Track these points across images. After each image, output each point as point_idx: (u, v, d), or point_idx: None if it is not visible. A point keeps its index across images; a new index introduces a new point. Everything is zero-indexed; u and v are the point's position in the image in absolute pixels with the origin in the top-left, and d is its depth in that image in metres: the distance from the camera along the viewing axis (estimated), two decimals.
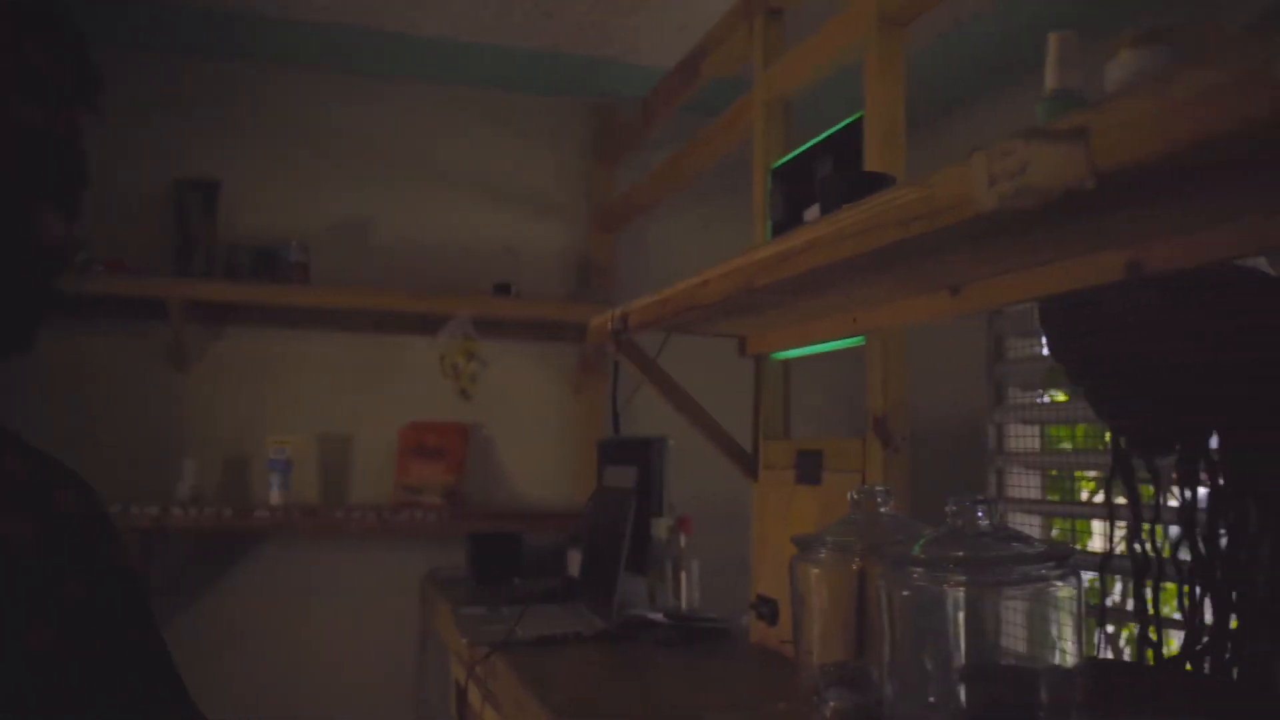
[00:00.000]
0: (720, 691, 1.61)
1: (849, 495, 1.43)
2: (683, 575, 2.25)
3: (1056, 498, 2.85)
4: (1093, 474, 2.63)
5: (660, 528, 2.29)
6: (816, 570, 1.41)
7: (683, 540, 2.27)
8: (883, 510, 1.42)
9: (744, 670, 1.76)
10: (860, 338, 1.61)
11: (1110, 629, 1.28)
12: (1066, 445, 2.82)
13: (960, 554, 1.16)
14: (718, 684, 1.66)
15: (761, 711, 1.49)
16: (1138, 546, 1.28)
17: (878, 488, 1.42)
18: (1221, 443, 1.21)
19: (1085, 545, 2.50)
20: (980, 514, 1.20)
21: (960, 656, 1.19)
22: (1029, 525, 2.84)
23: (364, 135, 3.11)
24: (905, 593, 1.19)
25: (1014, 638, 1.21)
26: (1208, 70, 0.62)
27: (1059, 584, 1.16)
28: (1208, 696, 1.16)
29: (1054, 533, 2.90)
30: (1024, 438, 2.89)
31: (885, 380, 1.54)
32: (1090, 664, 1.37)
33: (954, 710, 1.20)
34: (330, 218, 3.06)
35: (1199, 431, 1.21)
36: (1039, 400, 2.83)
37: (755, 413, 1.96)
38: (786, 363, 1.97)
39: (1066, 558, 1.17)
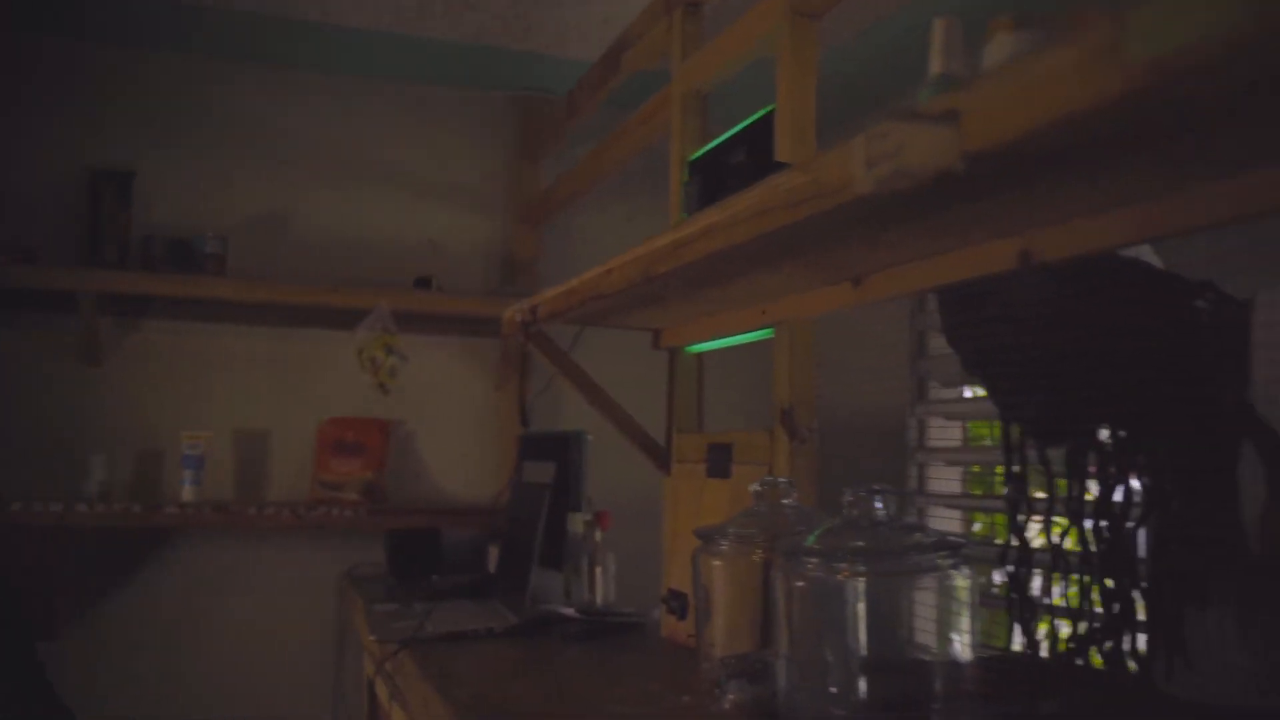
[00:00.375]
0: (627, 685, 1.60)
1: (751, 487, 1.42)
2: (598, 570, 2.24)
3: (979, 492, 2.88)
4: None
5: (577, 523, 2.27)
6: (718, 562, 1.40)
7: (598, 535, 2.25)
8: (786, 502, 1.42)
9: (652, 664, 1.75)
10: (769, 330, 1.60)
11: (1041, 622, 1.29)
12: (988, 441, 2.85)
13: (853, 544, 1.16)
14: (625, 678, 1.65)
15: (665, 705, 1.48)
16: (1019, 537, 1.29)
17: (781, 479, 1.42)
18: (1111, 434, 1.22)
19: (1005, 539, 2.53)
20: (878, 504, 1.20)
21: (858, 647, 1.19)
22: (950, 520, 2.87)
23: (284, 127, 3.05)
24: (799, 583, 1.18)
25: (910, 628, 1.21)
26: (1064, 50, 0.62)
27: (952, 573, 1.16)
28: (1093, 686, 1.17)
29: (975, 527, 2.94)
30: (946, 430, 2.92)
31: (792, 372, 1.54)
32: (986, 655, 1.37)
33: (852, 701, 1.19)
34: (248, 210, 3.00)
35: (1089, 422, 1.22)
36: (960, 395, 2.86)
37: (669, 406, 1.95)
38: (701, 356, 1.96)
39: (959, 548, 1.17)
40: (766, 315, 1.54)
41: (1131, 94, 0.58)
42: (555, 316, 1.64)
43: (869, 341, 3.08)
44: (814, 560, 1.17)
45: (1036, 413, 1.26)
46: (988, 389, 1.28)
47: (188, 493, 2.74)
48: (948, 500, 2.83)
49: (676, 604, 1.83)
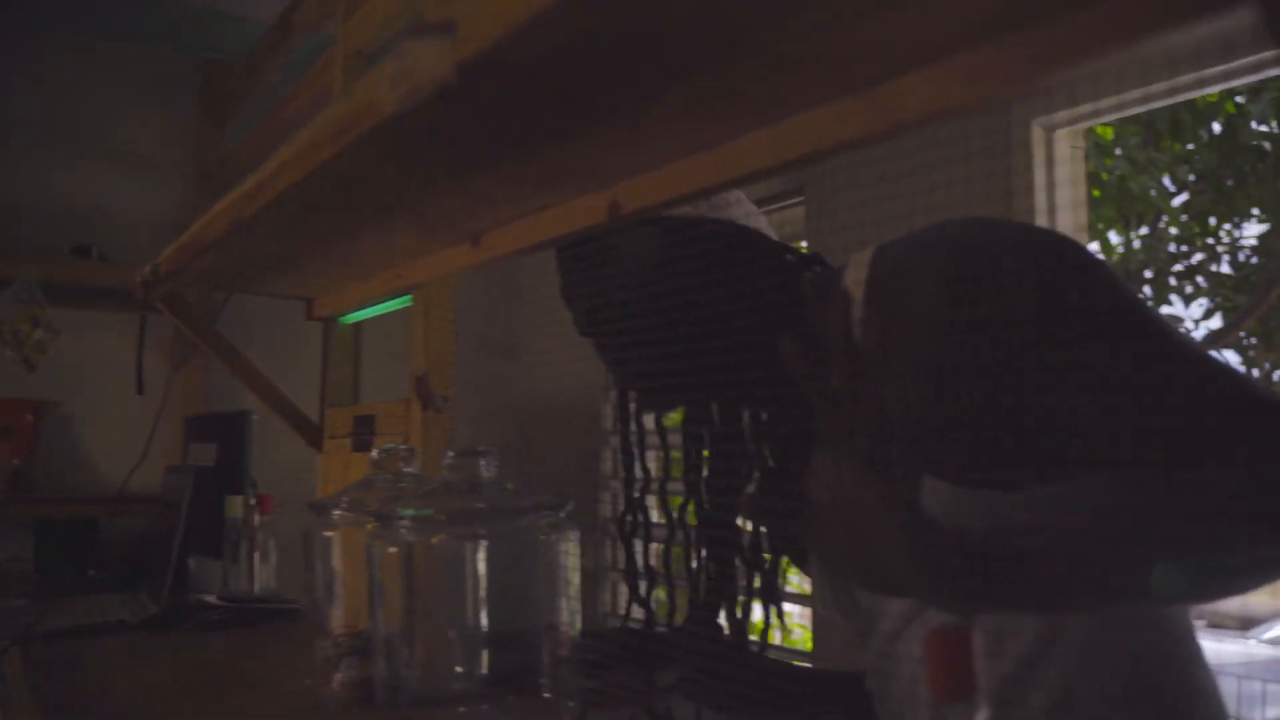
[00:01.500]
0: (251, 672, 1.50)
1: (371, 455, 1.35)
2: (256, 556, 2.11)
3: (678, 474, 2.90)
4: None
5: (236, 507, 2.13)
6: (330, 534, 1.33)
7: (257, 519, 2.12)
8: (408, 470, 1.36)
9: (291, 650, 1.65)
10: (409, 297, 1.54)
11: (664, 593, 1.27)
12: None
13: (450, 507, 1.11)
14: (254, 665, 1.54)
15: (282, 689, 1.39)
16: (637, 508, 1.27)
17: (401, 446, 1.35)
18: (720, 402, 1.22)
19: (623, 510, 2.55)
20: (482, 466, 1.16)
21: (468, 616, 1.14)
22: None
23: None
24: (392, 549, 1.12)
25: (515, 595, 1.17)
26: None
27: (553, 536, 1.13)
28: (700, 653, 1.15)
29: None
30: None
31: (427, 339, 1.48)
32: (598, 626, 1.36)
33: (459, 674, 1.15)
34: None
35: (700, 390, 1.21)
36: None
37: (322, 379, 1.85)
38: (358, 326, 1.87)
39: (560, 508, 1.14)
40: (401, 279, 1.48)
41: None
42: (176, 275, 1.52)
43: (569, 324, 3.07)
44: (407, 525, 1.11)
45: (649, 379, 1.24)
46: (599, 351, 1.26)
47: None
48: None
49: None
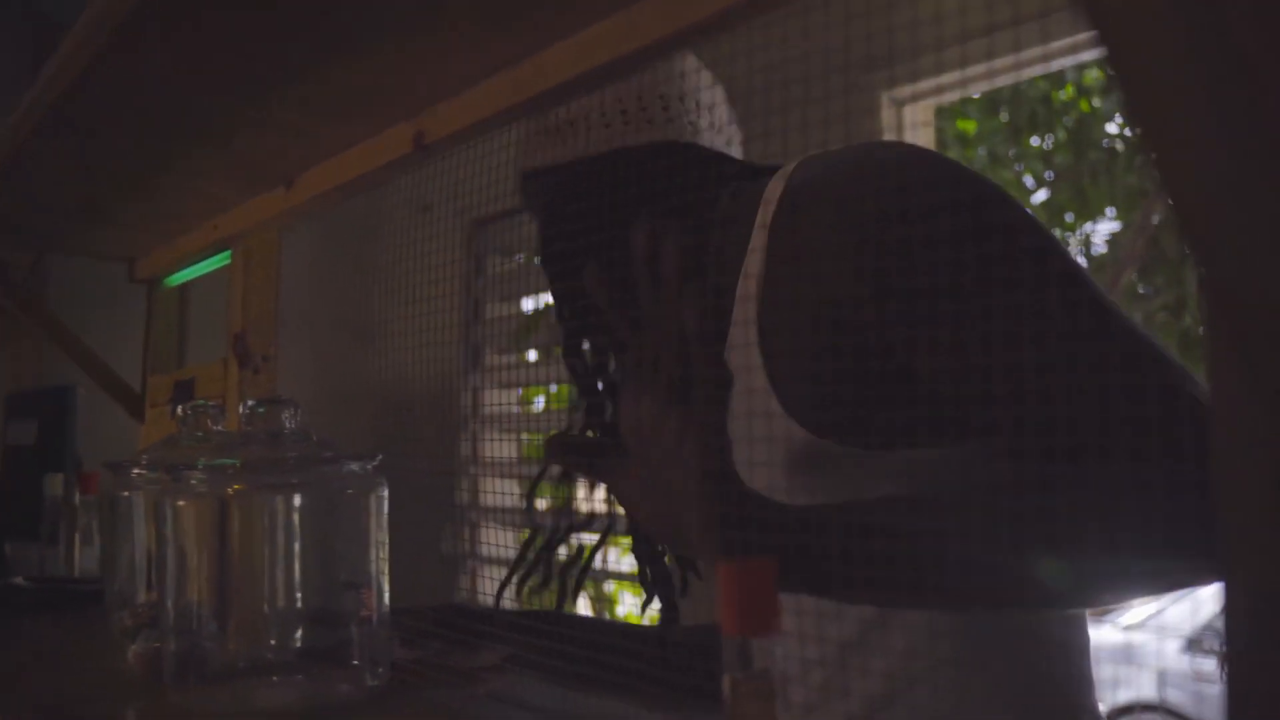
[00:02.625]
0: (51, 653, 1.39)
1: (176, 411, 1.27)
2: (77, 537, 1.98)
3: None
4: None
5: (55, 485, 2.01)
6: (127, 493, 1.24)
7: (78, 499, 1.99)
8: (218, 429, 1.28)
9: (98, 628, 1.54)
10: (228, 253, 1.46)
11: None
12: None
13: (249, 456, 1.04)
14: (55, 646, 1.44)
15: (73, 667, 1.29)
16: None
17: (210, 403, 1.27)
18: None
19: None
20: (286, 416, 1.09)
21: (277, 578, 1.07)
22: (508, 494, 2.82)
23: None
24: (181, 503, 1.04)
25: (317, 555, 1.10)
26: None
27: (360, 486, 1.06)
28: (533, 629, 1.09)
29: (543, 504, 2.91)
30: (503, 397, 2.88)
31: (246, 294, 1.40)
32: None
33: (268, 645, 1.07)
34: None
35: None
36: (515, 362, 2.83)
37: (145, 346, 1.75)
38: (184, 288, 1.78)
39: (368, 460, 1.08)
40: (219, 230, 1.40)
41: None
42: None
43: (424, 308, 2.99)
44: (200, 476, 1.03)
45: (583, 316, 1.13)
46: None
47: None
48: (506, 470, 2.80)
49: None
